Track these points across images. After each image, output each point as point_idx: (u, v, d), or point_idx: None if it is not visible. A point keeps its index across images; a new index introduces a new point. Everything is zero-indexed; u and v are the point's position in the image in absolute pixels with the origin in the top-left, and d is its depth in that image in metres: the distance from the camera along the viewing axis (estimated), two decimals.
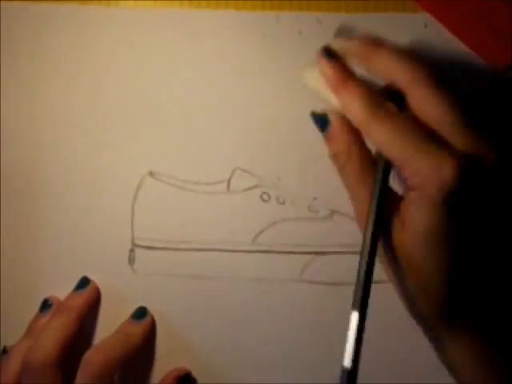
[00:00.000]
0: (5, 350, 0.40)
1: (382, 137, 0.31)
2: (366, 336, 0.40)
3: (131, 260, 0.41)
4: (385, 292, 0.40)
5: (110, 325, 0.41)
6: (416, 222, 0.31)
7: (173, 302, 0.41)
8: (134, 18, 0.41)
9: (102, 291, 0.41)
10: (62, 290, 0.41)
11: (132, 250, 0.41)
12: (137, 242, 0.41)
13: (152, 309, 0.41)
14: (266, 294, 0.40)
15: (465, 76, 0.40)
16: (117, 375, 0.37)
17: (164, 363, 0.41)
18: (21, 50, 0.42)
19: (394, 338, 0.40)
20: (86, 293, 0.40)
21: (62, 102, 0.42)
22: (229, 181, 0.41)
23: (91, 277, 0.41)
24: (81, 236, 0.41)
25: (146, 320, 0.40)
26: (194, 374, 0.41)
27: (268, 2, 0.41)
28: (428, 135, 0.31)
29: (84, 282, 0.41)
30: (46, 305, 0.40)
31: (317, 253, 0.40)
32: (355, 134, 0.34)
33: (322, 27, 0.40)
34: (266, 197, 0.41)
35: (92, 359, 0.37)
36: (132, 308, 0.41)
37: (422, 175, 0.30)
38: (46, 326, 0.38)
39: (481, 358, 0.32)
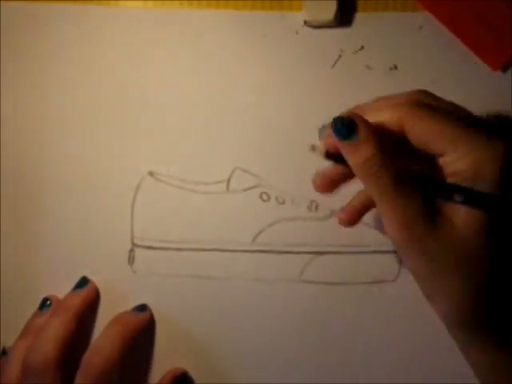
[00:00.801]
0: (4, 351, 0.40)
1: (425, 128, 0.30)
2: (365, 336, 0.40)
3: (131, 260, 0.41)
4: (385, 292, 0.40)
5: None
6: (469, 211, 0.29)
7: (172, 301, 0.41)
8: (134, 18, 0.41)
9: (102, 291, 0.41)
10: (61, 289, 0.41)
11: (132, 250, 0.41)
12: (136, 242, 0.41)
13: (151, 309, 0.41)
14: (265, 293, 0.40)
15: (463, 76, 0.40)
16: (116, 375, 0.37)
17: (163, 363, 0.40)
18: (21, 50, 0.42)
19: (395, 338, 0.40)
20: (85, 292, 0.40)
21: (61, 102, 0.42)
22: (228, 181, 0.41)
23: (91, 277, 0.41)
24: (80, 236, 0.41)
25: (145, 313, 0.40)
26: (194, 373, 0.41)
27: (268, 1, 0.41)
28: (468, 122, 0.30)
29: (83, 282, 0.41)
30: (45, 304, 0.40)
31: (316, 253, 0.40)
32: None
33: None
34: (265, 197, 0.41)
35: (92, 361, 0.37)
36: (131, 307, 0.41)
37: (473, 154, 0.29)
38: (45, 325, 0.38)
39: (497, 361, 0.31)
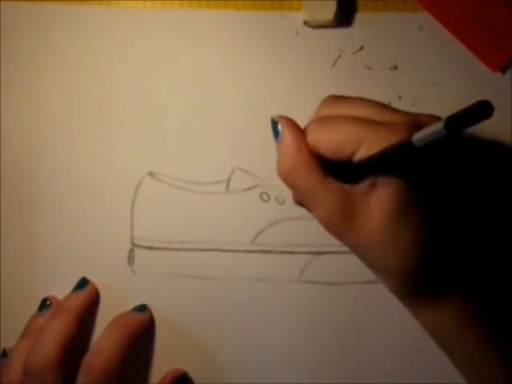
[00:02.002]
0: (4, 353, 0.40)
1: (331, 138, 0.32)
2: (365, 336, 0.40)
3: (131, 260, 0.41)
4: (385, 292, 0.40)
5: None
6: (381, 196, 0.31)
7: (172, 302, 0.41)
8: (133, 18, 0.41)
9: (102, 291, 0.41)
10: (61, 290, 0.41)
11: (131, 250, 0.41)
12: (136, 242, 0.41)
13: (151, 309, 0.41)
14: (265, 293, 0.40)
15: (463, 77, 0.40)
16: (117, 375, 0.37)
17: (163, 363, 0.41)
18: (21, 50, 0.42)
19: (395, 338, 0.40)
20: (85, 293, 0.40)
21: (61, 102, 0.42)
22: (228, 181, 0.41)
23: (91, 277, 0.41)
24: (80, 236, 0.41)
25: (145, 313, 0.40)
26: (194, 373, 0.41)
27: (268, 1, 0.41)
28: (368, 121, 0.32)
29: (83, 283, 0.41)
30: (44, 304, 0.40)
31: (316, 253, 0.40)
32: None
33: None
34: (265, 197, 0.41)
35: (93, 362, 0.37)
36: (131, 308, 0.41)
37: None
38: (45, 327, 0.38)
39: (468, 319, 0.32)
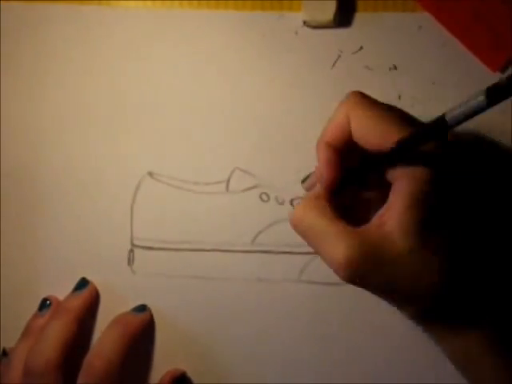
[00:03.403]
0: (5, 353, 0.40)
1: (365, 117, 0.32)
2: (365, 336, 0.40)
3: (130, 260, 0.41)
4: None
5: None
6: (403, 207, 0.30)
7: (172, 302, 0.41)
8: (133, 18, 0.41)
9: (102, 292, 0.41)
10: (61, 290, 0.41)
11: (131, 251, 0.41)
12: (136, 242, 0.41)
13: (151, 309, 0.41)
14: (265, 294, 0.40)
15: (462, 77, 0.40)
16: (117, 376, 0.37)
17: (163, 363, 0.41)
18: (21, 50, 0.42)
19: (395, 338, 0.40)
20: (85, 293, 0.40)
21: (61, 102, 0.42)
22: (228, 181, 0.41)
23: (90, 277, 0.41)
24: (80, 236, 0.41)
25: (145, 314, 0.40)
26: (194, 373, 0.41)
27: (267, 2, 0.41)
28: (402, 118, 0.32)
29: (83, 283, 0.41)
30: (44, 304, 0.40)
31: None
32: None
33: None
34: (265, 197, 0.41)
35: (93, 362, 0.37)
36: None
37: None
38: (46, 327, 0.38)
39: (495, 346, 0.31)
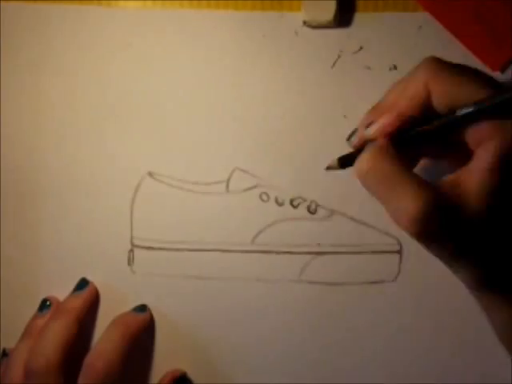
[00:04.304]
0: (5, 353, 0.40)
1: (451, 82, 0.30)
2: (365, 336, 0.40)
3: (130, 260, 0.41)
4: (385, 292, 0.40)
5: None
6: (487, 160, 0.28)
7: (172, 302, 0.41)
8: (133, 18, 0.41)
9: (101, 292, 0.41)
10: (61, 290, 0.41)
11: (131, 251, 0.41)
12: (136, 242, 0.41)
13: (151, 309, 0.41)
14: (265, 294, 0.40)
15: None
16: (118, 376, 0.37)
17: (163, 363, 0.41)
18: (21, 50, 0.42)
19: (395, 338, 0.40)
20: (85, 294, 0.40)
21: (61, 103, 0.42)
22: (228, 181, 0.41)
23: (90, 277, 0.41)
24: (80, 236, 0.41)
25: (145, 314, 0.40)
26: (194, 373, 0.41)
27: (268, 2, 0.41)
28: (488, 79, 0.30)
29: (83, 283, 0.41)
30: (44, 305, 0.40)
31: (316, 253, 0.40)
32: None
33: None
34: (265, 197, 0.41)
35: (94, 363, 0.37)
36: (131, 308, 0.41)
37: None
38: (46, 328, 0.38)
39: None
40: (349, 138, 0.33)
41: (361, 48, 0.40)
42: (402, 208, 0.29)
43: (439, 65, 0.30)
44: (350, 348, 0.40)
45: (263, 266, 0.40)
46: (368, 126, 0.31)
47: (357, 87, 0.40)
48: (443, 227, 0.28)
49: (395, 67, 0.40)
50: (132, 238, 0.41)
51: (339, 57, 0.40)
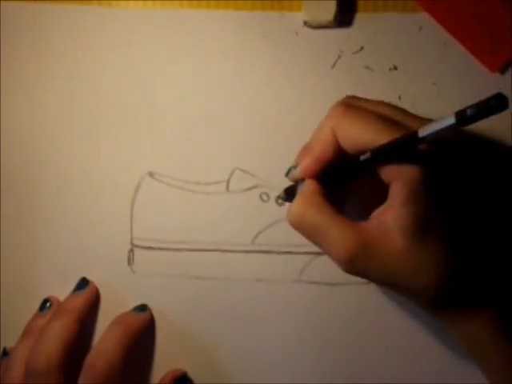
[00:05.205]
0: (5, 352, 0.40)
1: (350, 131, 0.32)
2: (365, 336, 0.40)
3: (130, 260, 0.41)
4: (385, 292, 0.40)
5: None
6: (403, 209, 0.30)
7: (172, 302, 0.41)
8: (133, 18, 0.41)
9: (102, 292, 0.41)
10: (61, 290, 0.41)
11: (131, 251, 0.41)
12: (136, 242, 0.41)
13: (151, 309, 0.41)
14: (265, 294, 0.40)
15: (462, 77, 0.40)
16: (119, 376, 0.37)
17: (163, 363, 0.41)
18: (21, 50, 0.42)
19: (395, 338, 0.40)
20: (86, 294, 0.40)
21: (61, 102, 0.42)
22: (228, 181, 0.41)
23: (90, 277, 0.41)
24: (80, 237, 0.41)
25: (146, 314, 0.40)
26: (194, 373, 0.41)
27: (268, 2, 0.41)
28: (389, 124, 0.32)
29: (83, 283, 0.41)
30: (45, 305, 0.40)
31: (316, 253, 0.40)
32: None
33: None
34: (265, 197, 0.41)
35: (95, 363, 0.37)
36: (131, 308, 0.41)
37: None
38: (47, 327, 0.38)
39: (503, 328, 0.32)
40: (287, 175, 0.36)
41: (361, 48, 0.40)
42: (332, 253, 0.32)
43: (344, 110, 0.33)
44: (350, 348, 0.40)
45: (263, 266, 0.40)
46: (295, 166, 0.35)
47: (357, 87, 0.40)
48: (372, 267, 0.31)
49: (395, 67, 0.40)
50: (132, 238, 0.41)
51: (339, 57, 0.40)
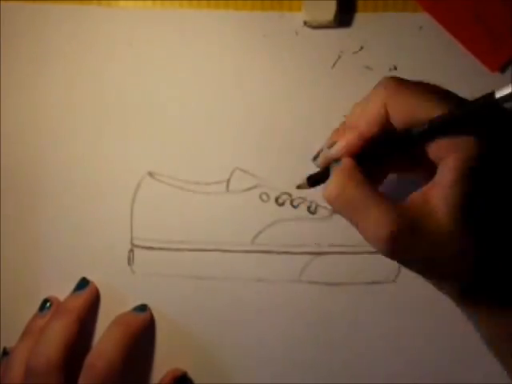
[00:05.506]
0: (5, 352, 0.40)
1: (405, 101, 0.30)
2: (365, 336, 0.40)
3: (130, 260, 0.41)
4: (385, 292, 0.40)
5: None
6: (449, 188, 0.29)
7: (172, 302, 0.41)
8: (133, 18, 0.41)
9: (102, 291, 0.41)
10: (61, 290, 0.41)
11: (131, 251, 0.41)
12: (136, 242, 0.41)
13: (151, 309, 0.41)
14: (265, 294, 0.40)
15: (463, 77, 0.40)
16: (119, 376, 0.37)
17: (163, 363, 0.41)
18: (21, 50, 0.42)
19: (395, 338, 0.40)
20: (86, 294, 0.40)
21: (61, 102, 0.42)
22: (228, 181, 0.41)
23: (90, 277, 0.41)
24: (80, 236, 0.41)
25: (145, 314, 0.40)
26: (194, 373, 0.41)
27: (268, 2, 0.41)
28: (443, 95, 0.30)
29: (83, 283, 0.41)
30: (45, 305, 0.40)
31: (316, 253, 0.40)
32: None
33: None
34: (265, 197, 0.41)
35: (95, 363, 0.37)
36: (131, 308, 0.41)
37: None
38: (47, 327, 0.38)
39: None
40: (314, 159, 0.34)
41: (361, 48, 0.40)
42: (371, 231, 0.30)
43: (397, 84, 0.31)
44: (350, 348, 0.40)
45: (263, 266, 0.40)
46: (330, 146, 0.32)
47: (357, 87, 0.40)
48: (414, 247, 0.29)
49: (395, 67, 0.40)
50: (132, 238, 0.41)
51: (339, 57, 0.40)
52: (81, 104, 0.41)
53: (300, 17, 0.40)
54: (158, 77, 0.41)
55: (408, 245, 0.29)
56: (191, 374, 0.41)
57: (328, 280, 0.40)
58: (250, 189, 0.41)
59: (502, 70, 0.40)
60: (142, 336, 0.40)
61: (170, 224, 0.41)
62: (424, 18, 0.40)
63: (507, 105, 0.26)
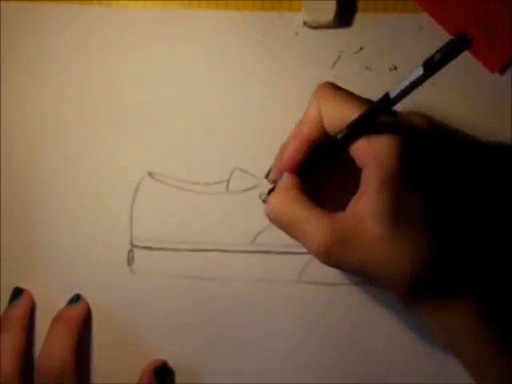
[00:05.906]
0: None
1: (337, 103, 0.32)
2: (365, 336, 0.40)
3: (130, 261, 0.41)
4: (385, 292, 0.40)
5: (108, 325, 0.40)
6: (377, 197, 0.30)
7: (172, 302, 0.41)
8: (133, 18, 0.41)
9: (101, 292, 0.41)
10: (61, 290, 0.41)
11: (131, 251, 0.41)
12: (135, 242, 0.41)
13: (151, 309, 0.41)
14: (264, 294, 0.40)
15: (462, 78, 0.40)
16: (73, 373, 0.37)
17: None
18: (21, 51, 0.42)
19: (395, 338, 0.40)
20: (81, 304, 0.40)
21: (61, 103, 0.42)
22: (228, 181, 0.41)
23: (90, 277, 0.41)
24: (80, 236, 0.41)
25: (81, 303, 0.40)
26: (194, 373, 0.41)
27: (268, 2, 0.41)
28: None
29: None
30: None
31: None
32: None
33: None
34: (265, 197, 0.41)
35: (46, 365, 0.37)
36: (130, 308, 0.41)
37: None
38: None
39: (480, 322, 0.31)
40: (266, 176, 0.36)
41: (361, 48, 0.40)
42: (308, 246, 0.32)
43: (330, 89, 0.33)
44: (350, 348, 0.40)
45: (263, 266, 0.40)
46: (279, 162, 0.35)
47: (356, 87, 0.40)
48: (346, 257, 0.31)
49: (395, 68, 0.40)
50: (132, 238, 0.41)
51: (339, 57, 0.40)
52: (81, 104, 0.41)
53: (300, 17, 0.40)
54: (158, 77, 0.41)
55: (340, 256, 0.31)
56: (190, 374, 0.40)
57: (328, 280, 0.40)
58: (249, 189, 0.41)
59: (502, 70, 0.40)
60: (85, 326, 0.40)
61: (170, 224, 0.41)
62: (424, 18, 0.40)
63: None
